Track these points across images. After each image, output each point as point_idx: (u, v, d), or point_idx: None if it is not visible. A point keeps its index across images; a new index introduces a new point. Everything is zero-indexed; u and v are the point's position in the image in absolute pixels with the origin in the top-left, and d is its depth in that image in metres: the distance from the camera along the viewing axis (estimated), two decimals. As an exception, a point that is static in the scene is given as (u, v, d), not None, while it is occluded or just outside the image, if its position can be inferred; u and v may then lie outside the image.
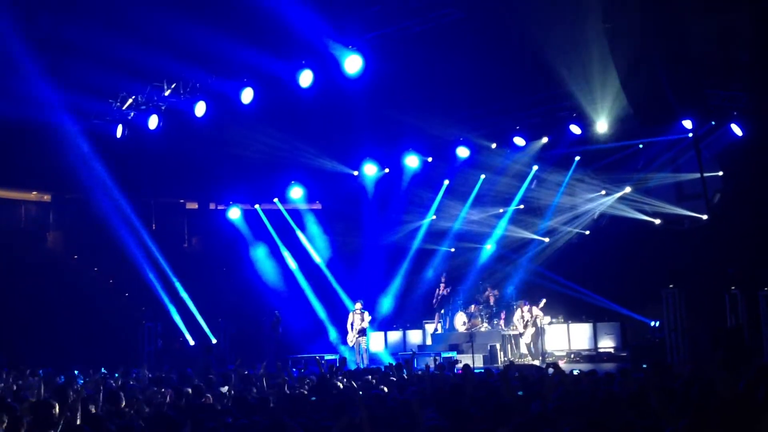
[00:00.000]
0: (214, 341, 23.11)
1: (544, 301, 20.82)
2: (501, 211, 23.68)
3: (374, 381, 11.71)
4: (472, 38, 15.83)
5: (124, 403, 9.36)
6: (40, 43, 15.56)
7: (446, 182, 23.74)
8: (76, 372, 15.90)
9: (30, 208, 24.41)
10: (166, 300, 22.96)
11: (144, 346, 22.56)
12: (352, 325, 20.80)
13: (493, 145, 21.12)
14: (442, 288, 23.31)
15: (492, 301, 22.68)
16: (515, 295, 22.34)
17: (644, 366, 14.48)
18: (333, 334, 24.50)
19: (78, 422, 7.57)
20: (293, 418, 7.68)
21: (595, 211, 21.97)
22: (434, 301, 23.46)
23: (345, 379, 11.90)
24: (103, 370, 16.54)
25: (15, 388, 13.03)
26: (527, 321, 20.60)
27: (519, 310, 21.07)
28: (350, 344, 20.88)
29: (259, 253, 25.41)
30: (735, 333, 15.79)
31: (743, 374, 7.26)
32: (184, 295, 23.21)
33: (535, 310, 20.68)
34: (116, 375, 15.45)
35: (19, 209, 24.37)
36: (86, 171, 20.79)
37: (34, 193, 24.05)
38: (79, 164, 20.61)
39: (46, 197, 24.60)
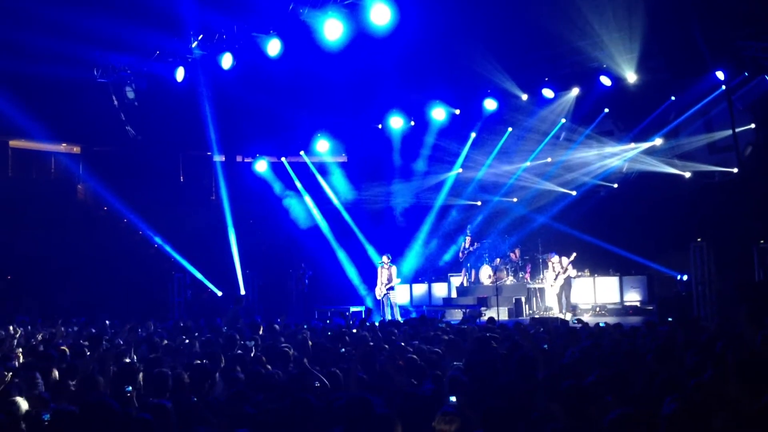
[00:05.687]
0: (243, 292, 23.39)
1: (574, 254, 20.62)
2: (528, 164, 23.46)
3: (399, 333, 11.82)
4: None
5: (157, 353, 9.57)
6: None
7: (473, 135, 23.54)
8: (107, 322, 16.21)
9: (60, 159, 24.62)
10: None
11: (173, 296, 22.91)
12: (379, 278, 20.88)
13: (524, 97, 20.78)
14: (467, 241, 23.34)
15: (515, 258, 22.67)
16: (541, 249, 22.24)
17: (670, 319, 14.49)
18: (360, 286, 24.68)
19: (112, 371, 7.77)
20: (320, 368, 7.82)
21: (624, 164, 21.69)
22: (460, 254, 23.53)
23: (370, 331, 12.03)
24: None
25: (48, 336, 13.36)
26: (558, 272, 20.54)
27: (550, 262, 21.00)
28: (378, 297, 20.99)
29: (292, 202, 25.68)
30: (762, 286, 15.66)
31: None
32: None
33: (565, 261, 20.56)
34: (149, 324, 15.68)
35: (49, 161, 24.58)
36: (115, 123, 20.90)
37: (64, 144, 24.24)
38: (108, 117, 20.71)
39: (76, 149, 24.80)
